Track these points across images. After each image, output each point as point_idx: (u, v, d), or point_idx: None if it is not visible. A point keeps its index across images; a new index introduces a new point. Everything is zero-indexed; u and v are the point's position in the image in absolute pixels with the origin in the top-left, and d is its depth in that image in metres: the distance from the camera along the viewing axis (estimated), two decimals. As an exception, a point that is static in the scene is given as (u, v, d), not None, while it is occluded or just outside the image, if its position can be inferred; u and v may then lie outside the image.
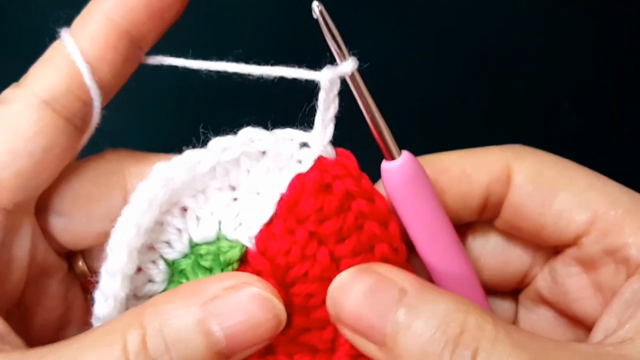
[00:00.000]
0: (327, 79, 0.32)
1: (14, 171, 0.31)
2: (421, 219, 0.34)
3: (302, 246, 0.33)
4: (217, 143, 0.33)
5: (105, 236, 0.34)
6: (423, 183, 0.33)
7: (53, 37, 0.33)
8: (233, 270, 0.34)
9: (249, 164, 0.34)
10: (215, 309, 0.30)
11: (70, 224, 0.35)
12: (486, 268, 0.39)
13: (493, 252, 0.39)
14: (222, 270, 0.34)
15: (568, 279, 0.36)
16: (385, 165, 0.33)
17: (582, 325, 0.37)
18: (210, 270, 0.35)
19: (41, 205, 0.34)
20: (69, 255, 0.37)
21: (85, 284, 0.37)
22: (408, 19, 0.73)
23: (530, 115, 0.72)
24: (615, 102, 0.73)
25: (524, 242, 0.38)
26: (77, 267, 0.37)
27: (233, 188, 0.35)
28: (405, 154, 0.33)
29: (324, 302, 0.33)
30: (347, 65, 0.31)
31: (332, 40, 0.31)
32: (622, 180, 0.36)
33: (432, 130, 0.69)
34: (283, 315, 0.32)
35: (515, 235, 0.38)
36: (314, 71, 0.32)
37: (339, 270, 0.33)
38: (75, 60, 0.31)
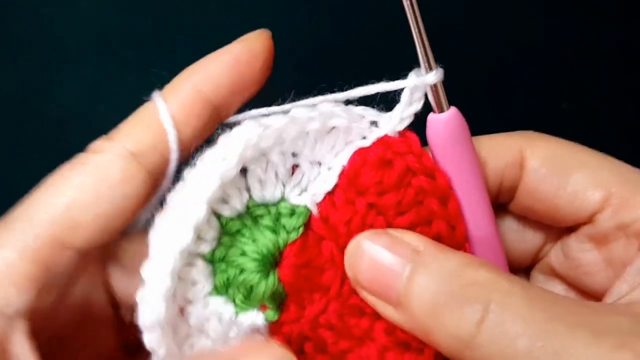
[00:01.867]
0: (412, 85, 0.34)
1: (95, 214, 0.33)
2: (459, 173, 0.35)
3: (362, 216, 0.34)
4: (296, 112, 0.35)
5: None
6: (465, 139, 0.35)
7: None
8: (298, 234, 0.35)
9: (317, 134, 0.35)
10: None
11: (131, 278, 0.36)
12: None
13: (507, 234, 0.40)
14: (287, 233, 0.35)
15: (580, 254, 0.38)
16: (432, 116, 0.35)
17: (593, 298, 0.38)
18: (274, 231, 0.35)
19: (109, 255, 0.36)
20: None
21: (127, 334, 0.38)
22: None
23: (530, 115, 0.72)
24: (615, 102, 0.73)
25: (537, 223, 0.40)
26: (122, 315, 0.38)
27: (295, 155, 0.35)
28: (453, 109, 0.35)
29: None
30: (432, 77, 0.34)
31: (422, 50, 0.35)
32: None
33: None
34: None
35: (530, 217, 0.39)
36: (401, 80, 0.35)
37: None
38: (164, 123, 0.34)
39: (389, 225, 0.35)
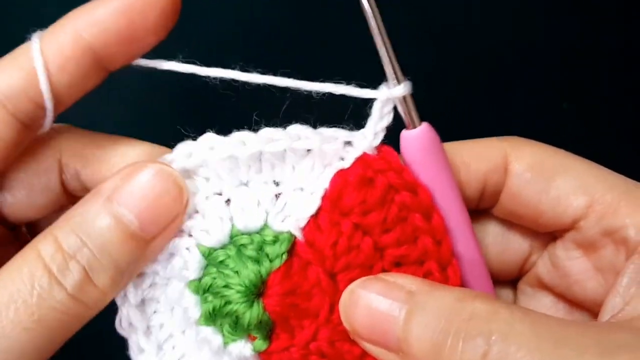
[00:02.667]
0: (383, 98, 0.34)
1: None
2: (435, 187, 0.35)
3: (348, 237, 0.34)
4: (266, 132, 0.34)
5: (46, 209, 0.35)
6: (439, 152, 0.35)
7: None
8: (282, 262, 0.35)
9: (295, 160, 0.35)
10: (119, 197, 0.31)
11: (13, 198, 0.35)
12: (487, 258, 0.40)
13: (493, 241, 0.40)
14: (270, 262, 0.35)
15: (569, 263, 0.37)
16: (405, 133, 0.35)
17: (582, 308, 0.38)
18: (257, 261, 0.35)
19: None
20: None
21: None
22: (404, 18, 0.73)
23: (530, 115, 0.72)
24: (615, 102, 0.73)
25: (522, 230, 0.39)
26: (22, 235, 0.38)
27: (277, 183, 0.35)
28: (425, 124, 0.35)
29: None
30: (400, 90, 0.34)
31: (389, 63, 0.34)
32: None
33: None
34: (182, 182, 0.33)
35: (514, 222, 0.39)
36: (370, 90, 0.34)
37: (382, 259, 0.34)
38: (35, 65, 0.32)
39: (375, 244, 0.34)
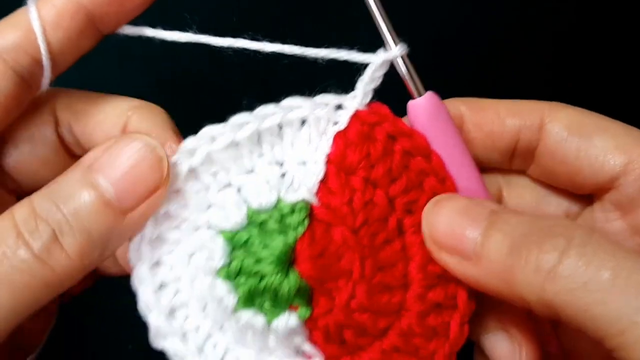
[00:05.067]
0: (378, 61, 0.35)
1: None
2: (445, 152, 0.36)
3: (362, 192, 0.35)
4: (260, 110, 0.35)
5: (48, 165, 0.36)
6: (446, 119, 0.36)
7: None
8: (304, 228, 0.35)
9: (292, 134, 0.36)
10: (98, 166, 0.31)
11: (17, 152, 0.36)
12: None
13: (529, 206, 0.40)
14: (294, 230, 0.35)
15: (607, 224, 0.38)
16: (411, 102, 0.36)
17: None
18: (282, 232, 0.35)
19: None
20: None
21: None
22: (404, 20, 0.73)
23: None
24: (615, 102, 0.74)
25: (559, 193, 0.40)
26: None
27: (280, 164, 0.36)
28: (429, 93, 0.36)
29: (386, 240, 0.35)
30: (396, 51, 0.35)
31: (385, 26, 0.35)
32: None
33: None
34: (162, 153, 0.33)
35: (551, 185, 0.39)
36: (366, 54, 0.36)
37: (394, 209, 0.35)
38: (31, 20, 0.33)
39: (387, 195, 0.35)
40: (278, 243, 0.35)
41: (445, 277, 0.35)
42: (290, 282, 0.35)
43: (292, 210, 0.36)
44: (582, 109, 0.39)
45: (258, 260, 0.35)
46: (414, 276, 0.35)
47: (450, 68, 0.74)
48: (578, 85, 0.73)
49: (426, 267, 0.35)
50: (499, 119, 0.38)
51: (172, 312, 0.36)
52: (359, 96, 0.36)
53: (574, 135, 0.37)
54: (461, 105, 0.38)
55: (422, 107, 0.36)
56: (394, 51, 0.35)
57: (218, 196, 0.36)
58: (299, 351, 0.36)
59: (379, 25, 0.35)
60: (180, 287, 0.36)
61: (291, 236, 0.35)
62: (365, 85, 0.35)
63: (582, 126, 0.37)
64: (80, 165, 0.32)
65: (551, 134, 0.37)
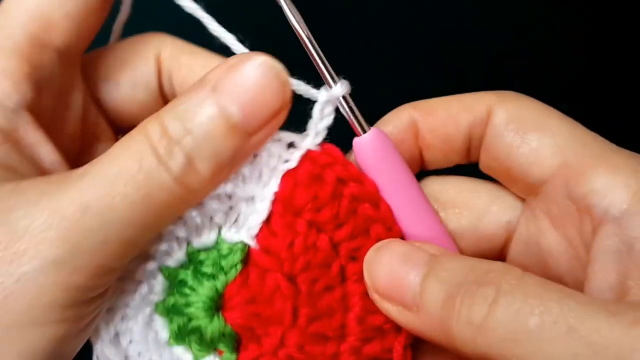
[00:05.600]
0: (323, 99, 0.34)
1: (64, 13, 0.34)
2: (393, 188, 0.35)
3: (303, 236, 0.34)
4: None
5: (145, 109, 0.37)
6: (392, 155, 0.35)
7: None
8: (237, 272, 0.35)
9: (245, 168, 0.35)
10: (223, 88, 0.31)
11: (117, 89, 0.38)
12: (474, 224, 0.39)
13: (483, 208, 0.39)
14: (225, 274, 0.35)
15: (541, 238, 0.36)
16: (357, 139, 0.35)
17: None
18: (212, 276, 0.35)
19: (89, 72, 0.38)
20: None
21: None
22: (405, 19, 0.73)
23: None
24: (615, 103, 0.73)
25: (510, 194, 0.38)
26: None
27: (229, 197, 0.35)
28: (374, 129, 0.35)
29: (327, 288, 0.34)
30: (336, 90, 0.34)
31: (323, 67, 0.34)
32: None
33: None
34: (285, 77, 0.32)
35: (495, 177, 0.38)
36: (313, 89, 0.35)
37: (338, 255, 0.34)
38: None
39: (331, 240, 0.34)
40: (206, 289, 0.35)
41: (383, 330, 0.34)
42: (213, 328, 0.35)
43: (230, 252, 0.35)
44: (533, 99, 0.36)
45: (187, 303, 0.35)
46: (352, 328, 0.34)
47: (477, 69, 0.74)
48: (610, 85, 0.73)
49: (365, 320, 0.34)
50: (451, 118, 0.36)
51: (117, 336, 0.36)
52: (311, 135, 0.35)
53: (510, 130, 0.35)
54: (412, 111, 0.37)
55: (367, 144, 0.35)
56: (333, 90, 0.34)
57: (167, 229, 0.35)
58: None
59: (317, 64, 0.34)
60: (127, 313, 0.36)
61: (221, 281, 0.35)
62: (316, 124, 0.35)
63: (521, 121, 0.35)
64: (205, 85, 0.32)
65: (490, 129, 0.36)
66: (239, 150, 0.32)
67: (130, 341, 0.36)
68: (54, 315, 0.29)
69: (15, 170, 0.32)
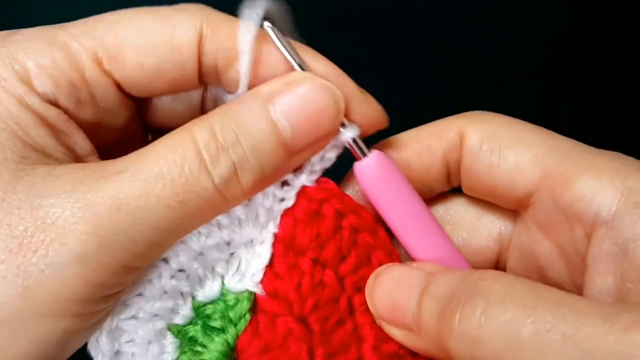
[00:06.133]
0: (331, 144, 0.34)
1: (141, 61, 0.32)
2: (399, 209, 0.35)
3: (310, 275, 0.34)
4: None
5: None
6: (395, 174, 0.35)
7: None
8: (246, 322, 0.34)
9: (239, 212, 0.34)
10: (279, 103, 0.31)
11: (158, 101, 0.36)
12: (466, 245, 0.39)
13: (468, 228, 0.38)
14: (235, 326, 0.34)
15: (536, 247, 0.36)
16: (358, 164, 0.34)
17: None
18: (222, 330, 0.34)
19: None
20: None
21: None
22: (405, 20, 0.73)
23: (529, 115, 0.72)
24: (614, 103, 0.74)
25: (494, 210, 0.38)
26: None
27: (228, 244, 0.35)
28: (374, 151, 0.34)
29: (339, 322, 0.34)
30: (349, 134, 0.33)
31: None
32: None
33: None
34: (341, 100, 0.32)
35: (483, 199, 0.37)
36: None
37: (344, 289, 0.34)
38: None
39: (337, 275, 0.34)
40: (218, 344, 0.34)
41: (399, 355, 0.34)
42: None
43: (237, 302, 0.34)
44: (501, 116, 0.37)
45: (201, 358, 0.34)
46: (369, 358, 0.34)
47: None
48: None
49: (380, 348, 0.34)
50: (425, 148, 0.36)
51: (117, 330, 0.35)
52: (306, 173, 0.34)
53: (487, 150, 0.34)
54: (384, 148, 0.36)
55: (370, 168, 0.34)
56: (344, 134, 0.33)
57: (169, 284, 0.34)
58: None
59: None
60: (139, 315, 0.35)
61: (232, 334, 0.34)
62: (313, 164, 0.34)
63: (496, 138, 0.34)
64: (259, 97, 0.31)
65: (466, 151, 0.35)
66: (282, 167, 0.32)
67: (130, 341, 0.36)
68: (72, 309, 0.29)
69: (49, 155, 0.31)
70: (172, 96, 0.37)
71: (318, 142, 0.32)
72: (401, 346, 0.33)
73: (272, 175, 0.32)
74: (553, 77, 0.73)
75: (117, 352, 0.35)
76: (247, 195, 0.31)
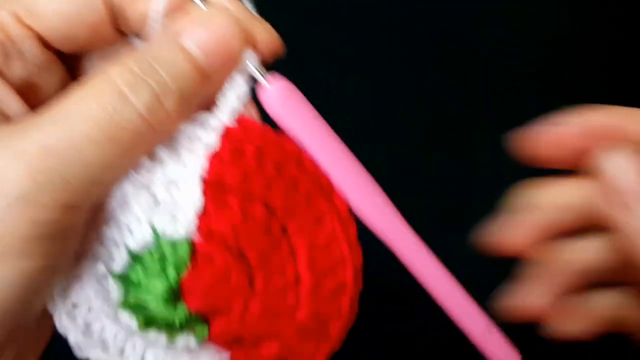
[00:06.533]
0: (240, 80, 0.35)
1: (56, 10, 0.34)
2: (312, 132, 0.36)
3: (242, 212, 0.35)
4: None
5: (92, 29, 0.35)
6: (300, 98, 0.36)
7: None
8: (186, 267, 0.35)
9: (161, 153, 0.35)
10: (187, 34, 0.33)
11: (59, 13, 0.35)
12: None
13: None
14: (175, 271, 0.35)
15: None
16: (263, 91, 0.35)
17: None
18: (163, 276, 0.35)
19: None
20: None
21: None
22: (405, 20, 0.73)
23: (529, 115, 0.72)
24: (614, 103, 0.74)
25: None
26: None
27: (148, 187, 0.35)
28: (276, 75, 0.35)
29: (274, 249, 0.36)
30: (250, 59, 0.35)
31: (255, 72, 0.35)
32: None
33: (429, 131, 0.69)
34: (242, 25, 0.34)
35: None
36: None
37: (276, 217, 0.36)
38: None
39: (268, 207, 0.35)
40: (159, 286, 0.35)
41: (334, 269, 0.36)
42: (179, 316, 0.35)
43: (173, 248, 0.35)
44: None
45: (146, 300, 0.35)
46: (304, 274, 0.36)
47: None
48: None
49: (315, 264, 0.36)
50: None
51: (87, 327, 0.36)
52: (224, 111, 0.35)
53: None
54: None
55: (275, 94, 0.35)
56: (245, 57, 0.35)
57: (106, 233, 0.35)
58: (211, 356, 0.37)
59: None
60: (92, 305, 0.36)
61: (173, 276, 0.35)
62: (226, 98, 0.35)
63: None
64: (169, 33, 0.33)
65: None
66: (200, 90, 0.33)
67: (103, 328, 0.36)
68: (22, 247, 0.30)
69: None
70: (102, 58, 0.37)
71: (228, 64, 0.34)
72: (338, 261, 0.36)
73: (192, 98, 0.33)
74: (553, 77, 0.73)
75: (86, 326, 0.36)
76: (173, 120, 0.33)
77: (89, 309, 0.36)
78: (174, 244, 0.35)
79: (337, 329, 0.37)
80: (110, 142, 0.31)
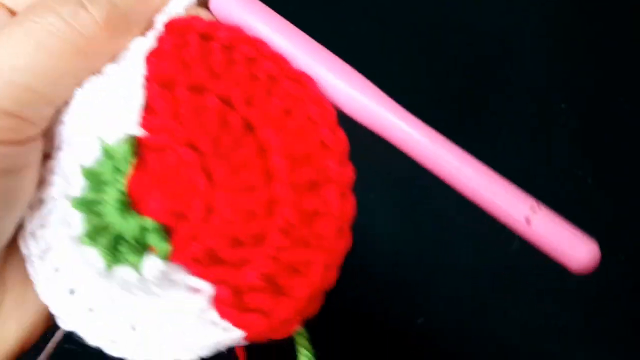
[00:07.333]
0: None
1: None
2: (270, 28, 0.34)
3: (187, 102, 0.32)
4: None
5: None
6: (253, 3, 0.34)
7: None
8: (131, 164, 0.32)
9: (103, 68, 0.34)
10: None
11: None
12: None
13: None
14: (122, 174, 0.33)
15: None
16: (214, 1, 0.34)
17: None
18: (113, 181, 0.33)
19: None
20: None
21: None
22: (404, 25, 0.73)
23: (529, 115, 0.72)
24: (614, 103, 0.73)
25: None
26: None
27: (91, 102, 0.33)
28: None
29: (236, 141, 0.32)
30: None
31: None
32: (620, 180, 0.36)
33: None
34: None
35: None
36: None
37: (232, 107, 0.33)
38: None
39: (219, 95, 0.33)
40: (110, 194, 0.32)
41: (312, 155, 0.32)
42: (132, 227, 0.32)
43: (117, 150, 0.33)
44: None
45: (103, 216, 0.32)
46: (279, 165, 0.31)
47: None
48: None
49: (291, 152, 0.32)
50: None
51: (57, 271, 0.33)
52: (170, 9, 0.34)
53: None
54: None
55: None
56: None
57: (60, 160, 0.33)
58: (188, 289, 0.32)
59: None
60: (60, 248, 0.33)
61: (120, 181, 0.32)
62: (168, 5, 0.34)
63: None
64: None
65: None
66: (133, 7, 0.33)
67: (44, 225, 0.34)
68: None
69: None
70: None
71: None
72: (317, 146, 0.32)
73: (129, 9, 0.32)
74: (553, 77, 0.73)
75: (32, 233, 0.34)
76: (105, 26, 0.32)
77: (58, 254, 0.33)
78: (118, 147, 0.33)
79: (330, 229, 0.31)
80: (42, 49, 0.31)
